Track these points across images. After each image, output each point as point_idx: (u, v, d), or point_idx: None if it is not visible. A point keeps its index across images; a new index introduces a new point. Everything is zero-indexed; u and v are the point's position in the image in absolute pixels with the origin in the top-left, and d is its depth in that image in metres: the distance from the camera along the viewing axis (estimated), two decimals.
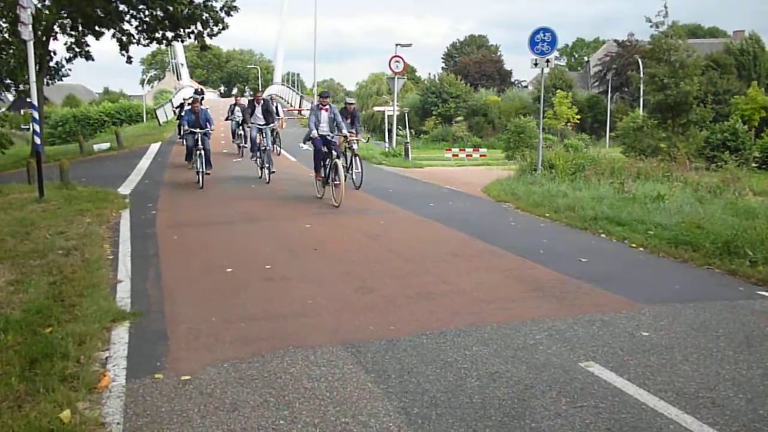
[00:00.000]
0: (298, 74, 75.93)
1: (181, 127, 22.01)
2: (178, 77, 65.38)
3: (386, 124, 32.56)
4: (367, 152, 23.38)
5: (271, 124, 15.14)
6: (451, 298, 5.81)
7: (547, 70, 15.87)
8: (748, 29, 59.43)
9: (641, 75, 35.15)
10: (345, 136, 12.11)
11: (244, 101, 20.01)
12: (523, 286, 6.25)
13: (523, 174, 15.28)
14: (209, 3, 23.12)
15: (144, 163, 19.24)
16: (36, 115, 12.53)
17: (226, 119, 22.81)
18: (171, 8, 21.96)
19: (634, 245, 8.14)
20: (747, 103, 41.59)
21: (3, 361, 4.16)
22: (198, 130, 13.44)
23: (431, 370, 4.23)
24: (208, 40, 24.43)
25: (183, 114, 21.40)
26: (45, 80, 22.97)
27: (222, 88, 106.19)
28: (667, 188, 12.05)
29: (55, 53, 23.73)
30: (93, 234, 8.33)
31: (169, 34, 23.86)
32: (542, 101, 16.39)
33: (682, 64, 28.69)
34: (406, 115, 37.95)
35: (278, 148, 19.71)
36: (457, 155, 32.68)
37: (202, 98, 21.48)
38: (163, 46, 28.15)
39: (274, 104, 18.95)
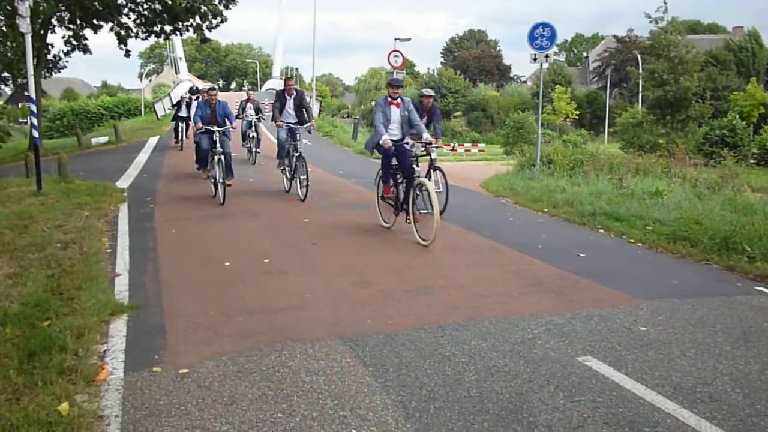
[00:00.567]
0: (296, 68, 75.76)
1: (179, 128, 20.85)
2: (177, 71, 65.15)
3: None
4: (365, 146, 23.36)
5: (307, 124, 11.44)
6: (449, 293, 5.81)
7: (546, 66, 15.85)
8: (748, 25, 59.35)
9: (640, 71, 35.19)
10: (428, 142, 8.32)
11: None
12: (522, 281, 6.26)
13: (522, 169, 15.28)
14: None
15: (142, 157, 19.21)
16: (34, 108, 12.49)
17: (237, 118, 20.09)
18: (169, 1, 21.90)
19: (632, 241, 8.16)
20: (746, 99, 41.55)
21: (1, 354, 4.16)
22: (215, 128, 10.88)
23: (429, 364, 4.23)
24: (207, 33, 24.34)
25: (184, 109, 20.40)
26: (43, 73, 22.91)
27: (220, 82, 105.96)
28: (665, 184, 12.07)
29: (52, 46, 23.67)
30: (91, 227, 8.32)
31: (168, 28, 23.78)
32: (541, 96, 16.37)
33: (682, 60, 28.72)
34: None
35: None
36: (455, 150, 32.65)
37: (190, 98, 20.06)
38: (161, 40, 28.07)
39: (308, 97, 15.34)
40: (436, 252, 7.46)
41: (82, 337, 4.49)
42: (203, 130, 10.83)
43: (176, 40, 52.81)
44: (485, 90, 60.81)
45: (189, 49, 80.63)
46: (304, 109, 11.59)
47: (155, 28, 23.68)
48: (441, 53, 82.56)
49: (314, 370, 4.13)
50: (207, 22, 23.50)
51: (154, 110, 38.87)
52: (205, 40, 25.78)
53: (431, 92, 11.06)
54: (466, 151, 28.78)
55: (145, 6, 23.01)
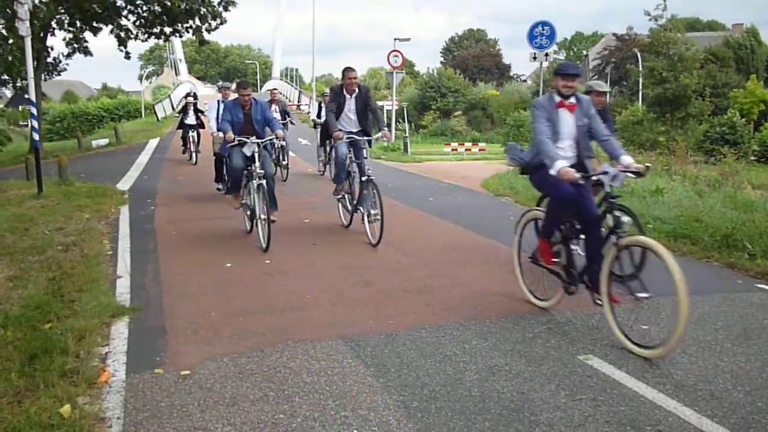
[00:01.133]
0: (296, 69, 75.73)
1: (188, 139, 17.18)
2: (177, 72, 65.18)
3: (385, 119, 32.43)
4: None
5: (379, 134, 8.04)
6: (450, 292, 5.81)
7: (545, 64, 15.87)
8: (747, 22, 59.35)
9: (640, 69, 35.14)
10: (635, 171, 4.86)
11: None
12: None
13: None
14: None
15: (143, 159, 19.23)
16: (34, 111, 12.52)
17: None
18: (168, 3, 21.93)
19: None
20: (746, 96, 41.53)
21: (3, 356, 4.16)
22: (253, 139, 7.78)
23: (430, 364, 4.23)
24: (206, 35, 24.37)
25: (191, 115, 17.07)
26: (43, 76, 22.95)
27: (220, 83, 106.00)
28: (665, 182, 12.06)
29: (52, 49, 23.70)
30: (92, 230, 8.33)
31: (167, 30, 23.81)
32: (541, 95, 16.37)
33: (681, 58, 28.70)
34: (404, 109, 37.88)
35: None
36: (456, 149, 32.66)
37: (196, 103, 17.81)
38: (161, 42, 28.09)
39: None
40: (436, 252, 7.46)
41: (84, 339, 4.50)
42: (236, 141, 7.72)
43: (176, 41, 52.91)
44: (485, 89, 60.76)
45: (189, 50, 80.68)
46: (370, 113, 8.24)
47: (155, 30, 23.72)
48: (440, 53, 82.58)
49: (315, 370, 4.13)
50: (206, 24, 23.53)
51: (155, 112, 38.91)
52: (203, 42, 25.82)
53: (605, 86, 7.11)
54: (466, 150, 28.78)
55: (144, 8, 23.03)
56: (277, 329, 4.89)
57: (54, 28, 22.44)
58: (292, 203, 10.91)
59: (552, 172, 4.86)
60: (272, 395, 3.79)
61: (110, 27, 23.29)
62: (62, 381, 3.82)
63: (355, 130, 8.12)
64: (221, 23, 23.73)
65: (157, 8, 22.58)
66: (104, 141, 25.70)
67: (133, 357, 4.37)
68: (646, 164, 5.02)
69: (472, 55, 71.06)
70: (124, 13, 23.15)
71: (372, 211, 7.67)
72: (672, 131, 28.38)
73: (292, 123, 15.02)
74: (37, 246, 7.29)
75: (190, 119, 17.18)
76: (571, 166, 4.87)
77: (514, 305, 5.45)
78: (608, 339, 4.67)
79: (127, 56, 24.67)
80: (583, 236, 5.25)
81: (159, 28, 23.63)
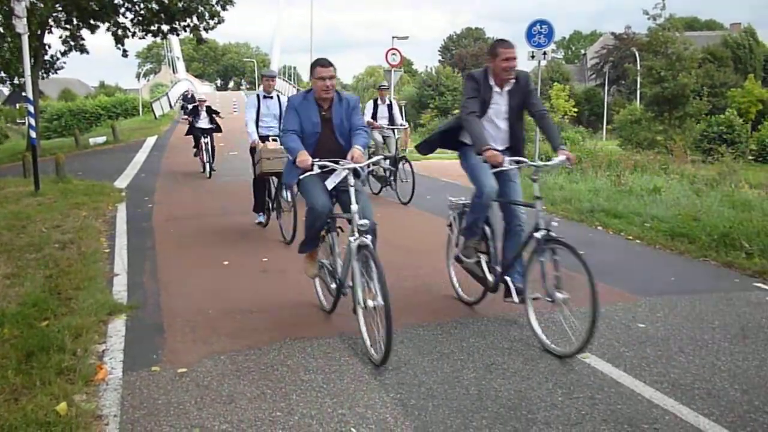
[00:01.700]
0: (294, 67, 75.80)
1: (202, 146, 14.44)
2: (174, 71, 65.12)
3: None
4: None
5: (563, 155, 4.60)
6: (447, 290, 5.80)
7: (543, 63, 15.87)
8: (745, 22, 59.45)
9: (638, 68, 35.18)
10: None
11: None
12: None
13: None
14: None
15: (140, 157, 19.21)
16: (31, 108, 12.50)
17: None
18: (166, 1, 21.90)
19: (630, 237, 8.15)
20: (743, 96, 41.62)
21: None
22: (346, 164, 4.55)
23: (428, 362, 4.23)
24: (204, 34, 24.34)
25: (203, 117, 14.58)
26: (40, 74, 22.90)
27: (218, 82, 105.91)
28: (663, 181, 12.08)
29: (50, 47, 23.67)
30: (89, 227, 8.32)
31: (165, 28, 23.77)
32: (539, 94, 16.39)
33: (679, 57, 28.76)
34: (402, 107, 37.88)
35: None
36: None
37: (195, 107, 15.66)
38: (158, 40, 28.07)
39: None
40: (434, 250, 7.44)
41: (81, 337, 4.49)
42: (315, 169, 4.53)
43: (174, 39, 52.79)
44: None
45: (186, 48, 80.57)
46: (535, 119, 5.00)
47: (152, 28, 23.68)
48: (439, 51, 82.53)
49: (313, 368, 4.13)
50: (204, 23, 23.50)
51: (152, 110, 38.86)
52: (200, 41, 25.79)
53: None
54: None
55: (141, 6, 22.99)
56: (274, 327, 4.89)
57: (51, 26, 22.39)
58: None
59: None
60: (269, 393, 3.79)
61: (107, 25, 23.24)
62: (59, 379, 3.81)
63: (501, 148, 4.93)
64: (219, 22, 23.70)
65: (155, 6, 22.56)
66: (102, 139, 25.67)
67: (130, 355, 4.37)
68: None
69: (471, 54, 71.02)
70: (122, 10, 23.12)
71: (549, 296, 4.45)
72: (670, 130, 28.44)
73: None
74: (34, 243, 7.28)
75: (203, 122, 14.67)
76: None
77: (512, 304, 5.44)
78: (605, 337, 4.68)
79: (125, 54, 24.64)
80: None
81: (156, 26, 23.59)
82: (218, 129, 15.04)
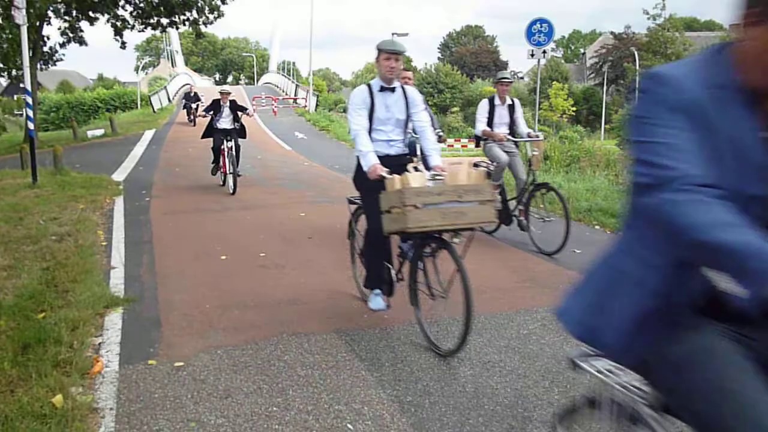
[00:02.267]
0: (293, 62, 75.57)
1: (221, 150, 11.28)
2: (173, 64, 65.07)
3: None
4: None
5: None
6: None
7: (543, 61, 15.87)
8: None
9: (637, 68, 35.19)
10: None
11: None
12: (516, 276, 6.26)
13: None
14: None
15: (138, 150, 19.18)
16: (29, 100, 12.47)
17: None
18: None
19: None
20: None
21: None
22: None
23: (424, 359, 4.23)
24: (203, 28, 24.31)
25: (226, 115, 11.33)
26: (39, 65, 22.85)
27: (217, 76, 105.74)
28: None
29: (48, 38, 23.64)
30: (87, 220, 8.30)
31: (164, 21, 23.77)
32: (538, 92, 16.39)
33: (679, 57, 28.76)
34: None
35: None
36: (452, 145, 32.65)
37: (197, 106, 14.43)
38: (158, 33, 28.03)
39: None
40: None
41: (77, 329, 4.48)
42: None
43: (173, 33, 52.77)
44: (482, 85, 60.79)
45: (186, 42, 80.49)
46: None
47: (151, 21, 23.66)
48: (438, 49, 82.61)
49: (310, 363, 4.13)
50: (203, 17, 23.47)
51: (151, 103, 38.80)
52: (200, 35, 25.78)
53: None
54: (462, 146, 28.82)
55: None
56: (271, 322, 4.88)
57: (50, 17, 22.34)
58: (290, 197, 10.90)
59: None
60: (266, 388, 3.79)
61: (106, 16, 23.20)
62: (55, 371, 3.81)
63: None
64: (219, 16, 23.69)
65: None
66: (100, 131, 25.63)
67: (127, 348, 4.36)
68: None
69: (470, 52, 71.12)
70: (121, 2, 23.07)
71: None
72: None
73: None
74: (31, 236, 7.26)
75: (225, 121, 11.43)
76: None
77: (509, 301, 5.46)
78: None
79: (123, 45, 24.61)
80: None
81: (156, 19, 23.56)
82: (243, 132, 11.71)
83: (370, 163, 4.47)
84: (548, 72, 53.87)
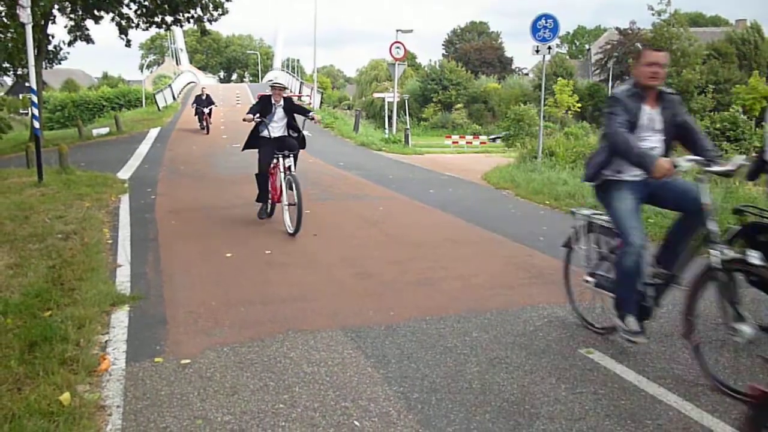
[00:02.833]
0: (297, 60, 75.69)
1: (276, 166, 8.06)
2: (178, 62, 65.16)
3: (386, 111, 32.51)
4: (366, 138, 23.35)
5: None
6: (450, 284, 5.80)
7: (548, 57, 15.80)
8: (750, 18, 59.06)
9: None
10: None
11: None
12: (523, 273, 6.25)
13: (523, 161, 15.25)
14: None
15: (143, 148, 19.20)
16: (35, 99, 12.48)
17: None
18: None
19: None
20: (749, 92, 41.41)
21: (2, 344, 4.15)
22: None
23: (431, 356, 4.23)
24: (207, 26, 24.32)
25: (280, 119, 8.01)
26: (44, 64, 22.91)
27: (221, 74, 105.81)
28: None
29: (53, 37, 23.68)
30: (92, 218, 8.31)
31: (169, 19, 23.79)
32: (543, 89, 16.31)
33: (684, 53, 28.75)
34: (406, 101, 37.81)
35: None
36: (456, 142, 32.62)
37: (210, 111, 13.64)
38: (162, 31, 28.07)
39: None
40: (437, 244, 7.44)
41: (84, 327, 4.48)
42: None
43: (177, 31, 52.84)
44: (487, 82, 60.73)
45: (190, 40, 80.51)
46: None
47: (156, 19, 23.68)
48: (442, 45, 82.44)
49: (316, 360, 4.13)
50: (208, 14, 23.48)
51: (155, 101, 38.82)
52: (204, 33, 25.78)
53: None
54: (467, 143, 28.79)
55: None
56: (277, 319, 4.88)
57: (55, 16, 22.39)
58: None
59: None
60: (272, 385, 3.79)
61: (111, 15, 23.24)
62: (62, 369, 3.81)
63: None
64: (223, 13, 23.70)
65: None
66: (105, 130, 25.66)
67: (133, 346, 4.37)
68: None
69: (474, 48, 70.97)
70: (126, 1, 23.10)
71: None
72: None
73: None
74: (37, 234, 7.27)
75: (277, 128, 8.24)
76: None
77: (515, 298, 5.44)
78: None
79: (128, 44, 24.66)
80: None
81: (160, 17, 23.59)
82: (303, 143, 8.43)
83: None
84: (553, 68, 53.62)
